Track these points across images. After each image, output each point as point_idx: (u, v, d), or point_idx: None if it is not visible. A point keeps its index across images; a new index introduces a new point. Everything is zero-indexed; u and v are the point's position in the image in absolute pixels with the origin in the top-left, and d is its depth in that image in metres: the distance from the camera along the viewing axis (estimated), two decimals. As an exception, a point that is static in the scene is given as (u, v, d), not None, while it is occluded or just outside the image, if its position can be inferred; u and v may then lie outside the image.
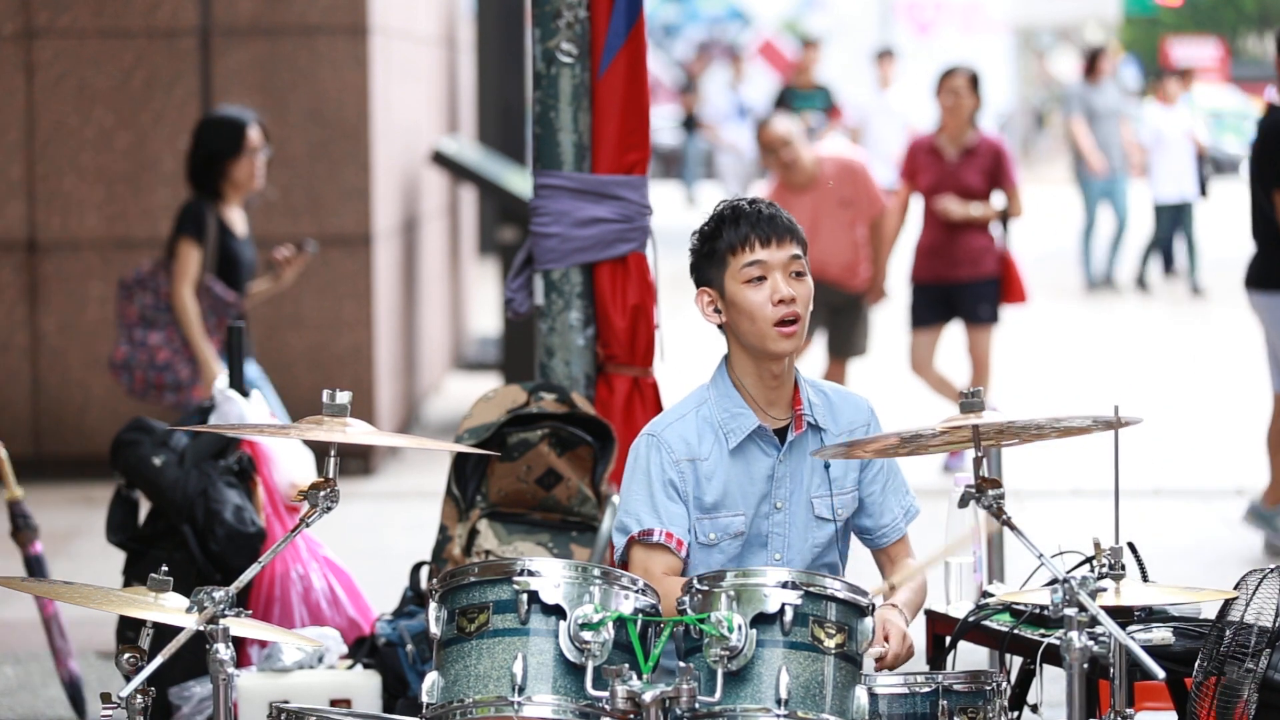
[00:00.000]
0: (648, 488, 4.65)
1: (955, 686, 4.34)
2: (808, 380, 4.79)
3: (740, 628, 4.15)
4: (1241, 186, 14.63)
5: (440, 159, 12.78)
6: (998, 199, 11.22)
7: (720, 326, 4.73)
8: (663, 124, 32.30)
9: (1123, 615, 4.78)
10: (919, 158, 11.31)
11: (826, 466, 4.71)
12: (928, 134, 11.62)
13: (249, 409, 6.53)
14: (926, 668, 5.21)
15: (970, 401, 4.40)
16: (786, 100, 19.89)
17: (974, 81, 11.22)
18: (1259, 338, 9.51)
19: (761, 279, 4.62)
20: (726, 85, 24.27)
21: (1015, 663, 5.05)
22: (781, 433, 4.70)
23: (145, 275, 8.75)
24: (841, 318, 11.05)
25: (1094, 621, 4.16)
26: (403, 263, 12.19)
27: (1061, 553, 4.78)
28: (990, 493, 4.33)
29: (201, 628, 4.21)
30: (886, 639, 4.52)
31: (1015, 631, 4.93)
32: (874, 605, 4.33)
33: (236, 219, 8.78)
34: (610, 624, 4.18)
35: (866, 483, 4.80)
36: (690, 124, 29.20)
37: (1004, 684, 4.42)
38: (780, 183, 11.00)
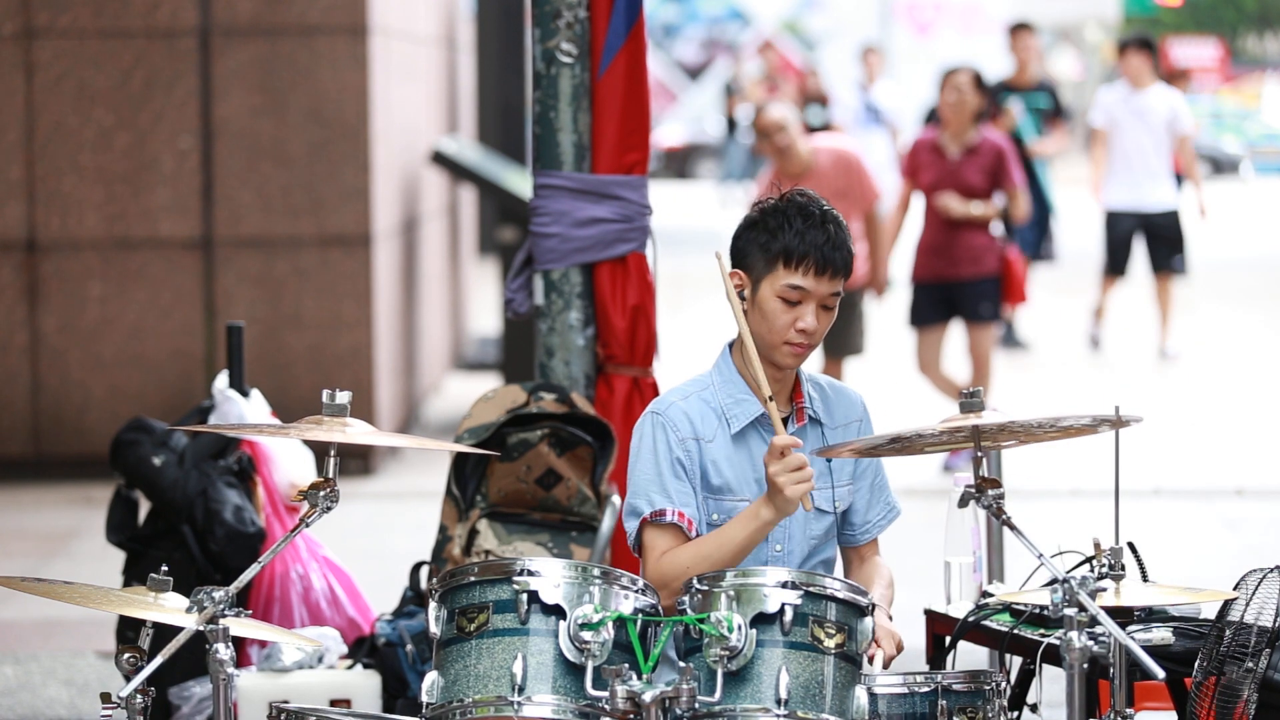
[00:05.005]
0: (655, 467, 4.62)
1: (955, 686, 4.33)
2: (806, 374, 4.79)
3: (740, 628, 4.15)
4: (1240, 186, 14.63)
5: (440, 159, 12.78)
6: (999, 199, 11.25)
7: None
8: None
9: (1123, 615, 4.78)
10: (921, 155, 11.33)
11: (828, 460, 4.70)
12: (930, 132, 11.63)
13: (249, 409, 6.53)
14: (926, 667, 5.21)
15: (970, 401, 4.40)
16: (997, 99, 15.83)
17: (977, 80, 11.24)
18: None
19: (797, 303, 4.61)
20: (857, 86, 22.65)
21: (1015, 663, 5.05)
22: (782, 423, 4.69)
23: None
24: (837, 316, 11.00)
25: (1094, 621, 4.16)
26: (403, 263, 12.19)
27: (1061, 553, 4.78)
28: (990, 493, 4.33)
29: (201, 628, 4.21)
30: (876, 642, 4.51)
31: (1015, 631, 4.93)
32: (874, 605, 4.32)
33: None
34: (610, 624, 4.17)
35: (857, 476, 4.79)
36: (732, 125, 29.09)
37: (1004, 684, 4.42)
38: (776, 170, 10.98)
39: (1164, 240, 14.86)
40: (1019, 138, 14.92)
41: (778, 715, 4.11)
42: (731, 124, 29.25)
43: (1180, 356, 14.98)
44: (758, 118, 11.05)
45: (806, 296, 4.59)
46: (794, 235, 4.58)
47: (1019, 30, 15.89)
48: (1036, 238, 15.07)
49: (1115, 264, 15.02)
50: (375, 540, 9.42)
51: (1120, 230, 14.88)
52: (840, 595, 4.24)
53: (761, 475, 4.62)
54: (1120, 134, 14.87)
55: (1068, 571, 4.52)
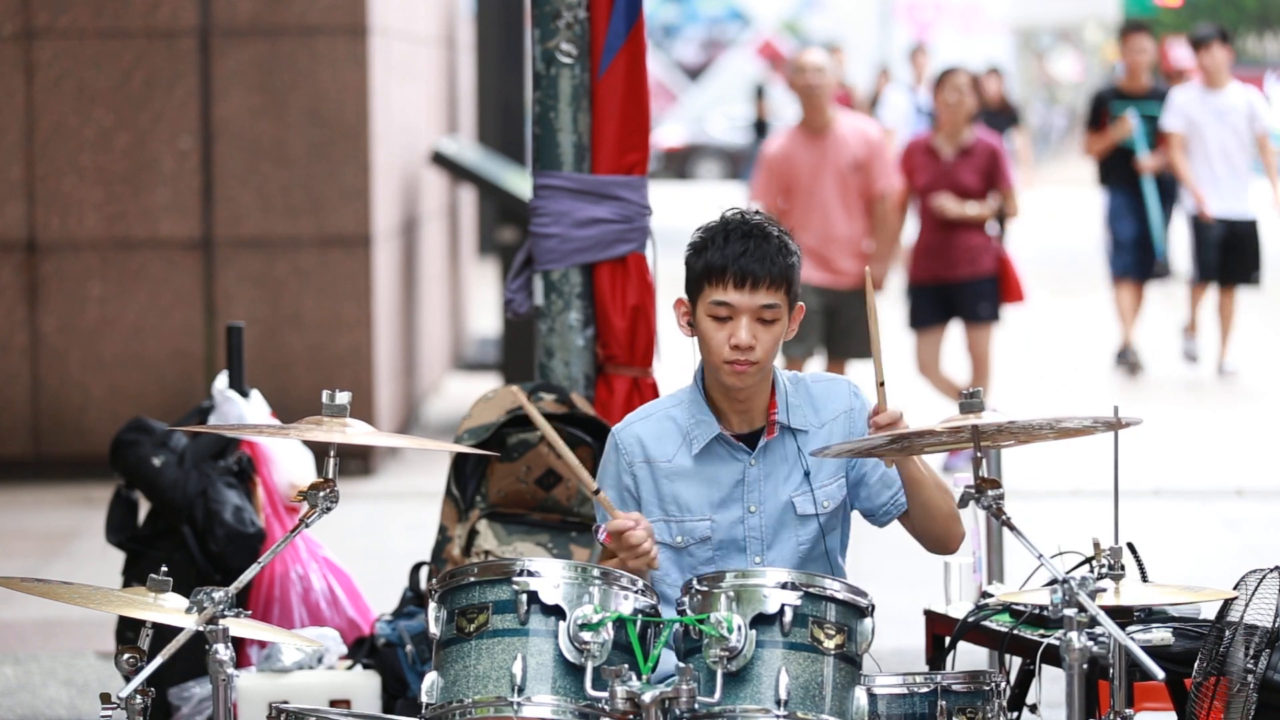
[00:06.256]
0: (604, 484, 4.70)
1: (954, 687, 4.34)
2: (788, 376, 4.75)
3: (740, 628, 4.15)
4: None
5: (440, 159, 12.78)
6: (995, 199, 11.26)
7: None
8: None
9: (1122, 615, 4.78)
10: (915, 157, 11.34)
11: (805, 470, 4.69)
12: (924, 134, 11.62)
13: (249, 409, 6.53)
14: (926, 668, 5.22)
15: (970, 401, 4.40)
16: (1107, 107, 14.29)
17: (975, 82, 11.28)
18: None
19: (727, 319, 4.59)
20: (906, 88, 22.42)
21: (1015, 663, 5.05)
22: (754, 437, 4.69)
23: None
24: (837, 319, 10.97)
25: (1093, 622, 4.16)
26: (402, 263, 12.19)
27: (1061, 553, 4.78)
28: (990, 493, 4.33)
29: (201, 628, 4.21)
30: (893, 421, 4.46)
31: (1015, 632, 4.93)
32: (873, 607, 4.32)
33: None
34: (609, 624, 4.18)
35: (859, 465, 4.74)
36: (760, 127, 29.05)
37: (1003, 684, 4.42)
38: (801, 122, 10.94)
39: (1244, 252, 13.83)
40: (1130, 149, 14.06)
41: (777, 716, 4.12)
42: (760, 127, 29.22)
43: (1238, 373, 14.28)
44: (799, 55, 11.18)
45: (734, 311, 4.56)
46: (714, 251, 4.57)
47: (1131, 33, 14.65)
48: (1138, 257, 14.09)
49: (1205, 272, 13.98)
50: (375, 540, 9.42)
51: (1207, 238, 13.79)
52: (840, 596, 4.25)
53: (722, 497, 4.66)
54: (1201, 137, 13.71)
55: (1067, 572, 4.52)
